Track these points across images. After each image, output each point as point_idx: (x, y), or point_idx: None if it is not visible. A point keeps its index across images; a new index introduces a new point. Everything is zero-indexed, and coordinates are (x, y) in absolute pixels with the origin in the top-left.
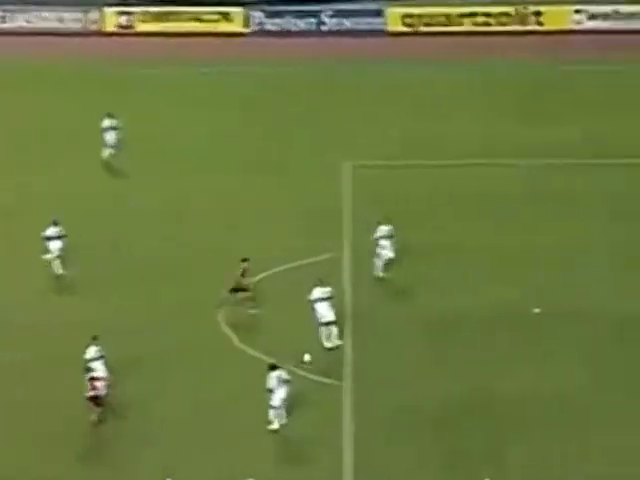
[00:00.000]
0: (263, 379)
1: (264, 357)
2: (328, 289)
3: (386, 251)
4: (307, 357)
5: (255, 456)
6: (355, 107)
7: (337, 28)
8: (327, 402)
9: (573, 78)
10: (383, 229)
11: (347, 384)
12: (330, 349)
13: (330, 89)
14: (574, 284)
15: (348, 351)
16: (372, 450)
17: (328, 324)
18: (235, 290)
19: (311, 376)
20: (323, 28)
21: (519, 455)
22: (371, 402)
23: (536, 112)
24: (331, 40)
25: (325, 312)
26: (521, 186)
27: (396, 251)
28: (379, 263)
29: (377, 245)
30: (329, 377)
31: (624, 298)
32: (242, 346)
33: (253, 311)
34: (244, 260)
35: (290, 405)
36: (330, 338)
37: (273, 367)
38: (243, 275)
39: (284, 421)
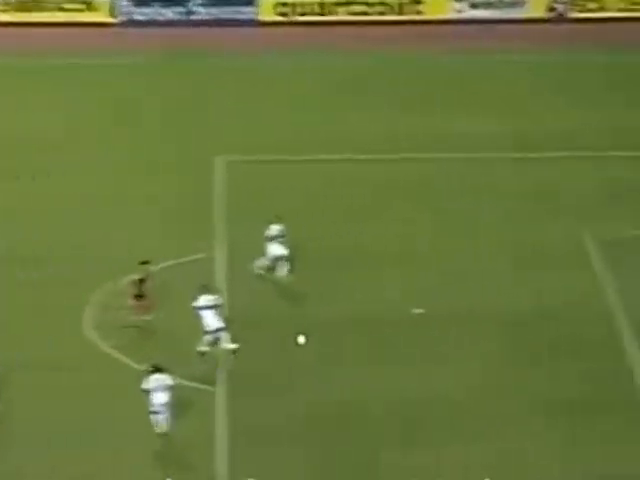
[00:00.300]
0: (138, 384)
1: (134, 363)
2: (214, 296)
3: (278, 251)
4: (301, 339)
5: (131, 461)
6: (228, 99)
7: (207, 18)
8: (204, 408)
9: (455, 68)
10: (274, 228)
11: (221, 389)
12: (203, 354)
13: (201, 80)
14: (459, 283)
15: (223, 356)
16: (247, 456)
17: (214, 331)
18: (139, 296)
19: (184, 381)
20: (193, 17)
21: (399, 461)
22: (247, 408)
23: (416, 103)
24: (201, 30)
25: (210, 320)
26: (402, 181)
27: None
28: (265, 263)
29: (266, 245)
30: (205, 382)
31: (511, 298)
32: (111, 351)
33: (148, 317)
34: (144, 263)
35: (170, 410)
36: (218, 344)
37: (153, 370)
38: (143, 279)
39: (166, 427)
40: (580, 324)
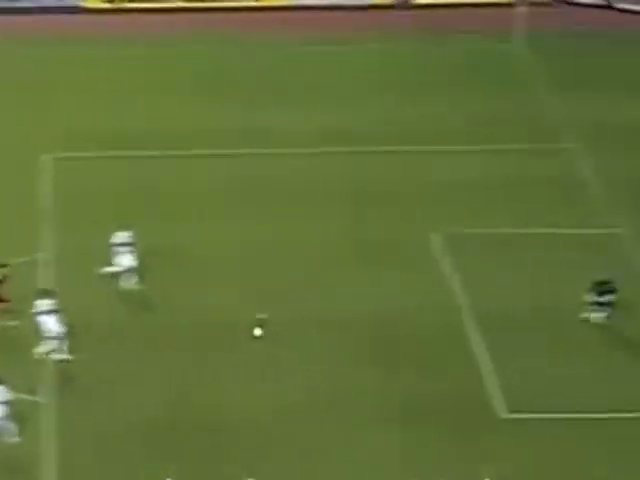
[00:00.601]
0: None
1: None
2: (53, 301)
3: (126, 262)
4: (258, 332)
5: None
6: (55, 91)
7: (30, 5)
8: (37, 418)
9: (294, 58)
10: (121, 235)
11: (55, 399)
12: (39, 361)
13: (25, 71)
14: (304, 285)
15: (58, 365)
16: (78, 470)
17: (55, 337)
18: None
19: (17, 393)
20: (17, 5)
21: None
22: (77, 419)
23: (250, 94)
24: (24, 18)
25: (51, 326)
26: (242, 178)
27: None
28: (111, 270)
29: (113, 253)
30: (38, 393)
31: (357, 300)
32: None
33: (13, 323)
34: (3, 266)
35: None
36: (55, 352)
37: None
38: (1, 281)
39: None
40: (426, 325)
